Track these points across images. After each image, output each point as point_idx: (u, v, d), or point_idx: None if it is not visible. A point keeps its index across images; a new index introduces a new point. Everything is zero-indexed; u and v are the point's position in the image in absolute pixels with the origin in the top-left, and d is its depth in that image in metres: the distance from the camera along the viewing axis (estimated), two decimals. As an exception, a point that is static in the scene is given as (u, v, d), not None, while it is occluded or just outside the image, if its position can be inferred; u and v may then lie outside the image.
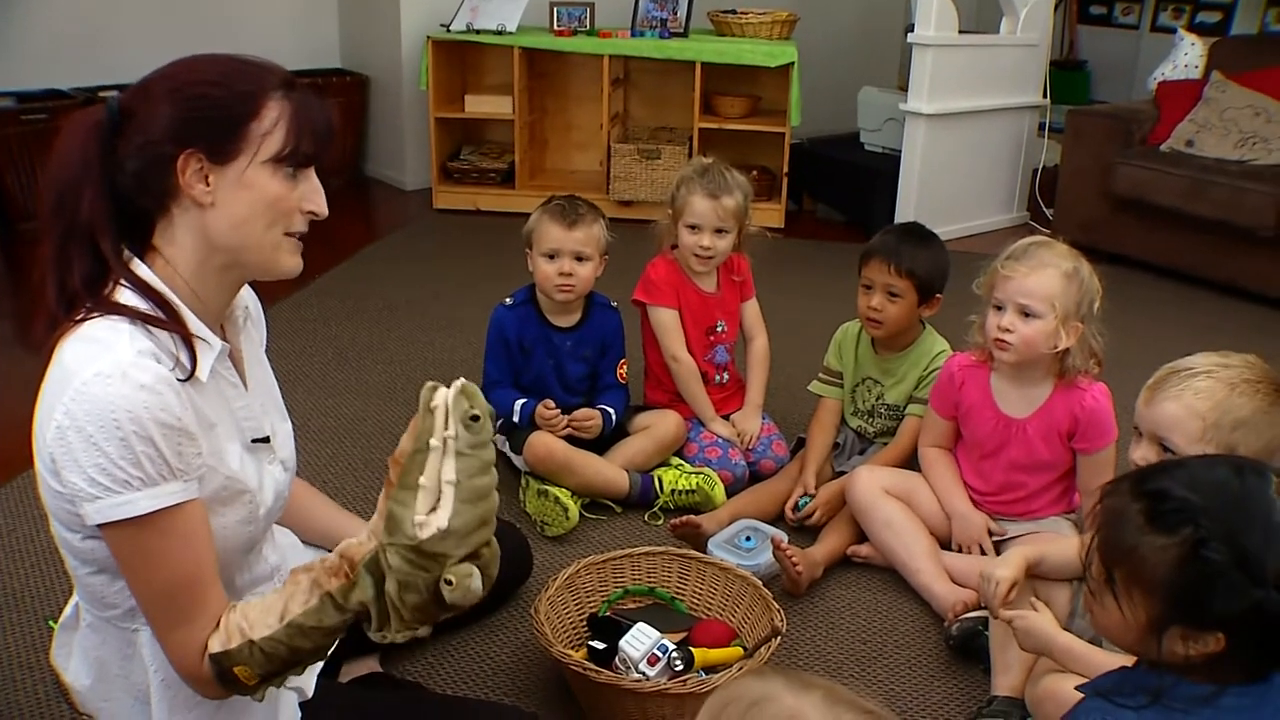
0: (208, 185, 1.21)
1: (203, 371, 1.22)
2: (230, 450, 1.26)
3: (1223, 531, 1.08)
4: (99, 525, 1.14)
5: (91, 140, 1.21)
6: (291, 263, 1.29)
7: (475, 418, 1.14)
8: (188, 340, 1.21)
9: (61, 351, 1.16)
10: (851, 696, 0.81)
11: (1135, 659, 1.22)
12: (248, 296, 1.43)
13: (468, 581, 1.14)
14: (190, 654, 1.19)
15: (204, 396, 1.23)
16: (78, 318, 1.18)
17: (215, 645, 1.18)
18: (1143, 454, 1.65)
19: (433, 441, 1.13)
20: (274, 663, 1.19)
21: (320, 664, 1.46)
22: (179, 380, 1.18)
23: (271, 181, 1.23)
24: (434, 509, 1.13)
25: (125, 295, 1.20)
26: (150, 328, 1.18)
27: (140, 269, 1.22)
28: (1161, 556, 1.11)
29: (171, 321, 1.20)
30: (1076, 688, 1.25)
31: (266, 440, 1.35)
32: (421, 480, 1.13)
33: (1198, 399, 1.60)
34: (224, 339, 1.30)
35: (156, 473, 1.13)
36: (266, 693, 1.23)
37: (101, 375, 1.11)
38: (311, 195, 1.28)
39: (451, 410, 1.14)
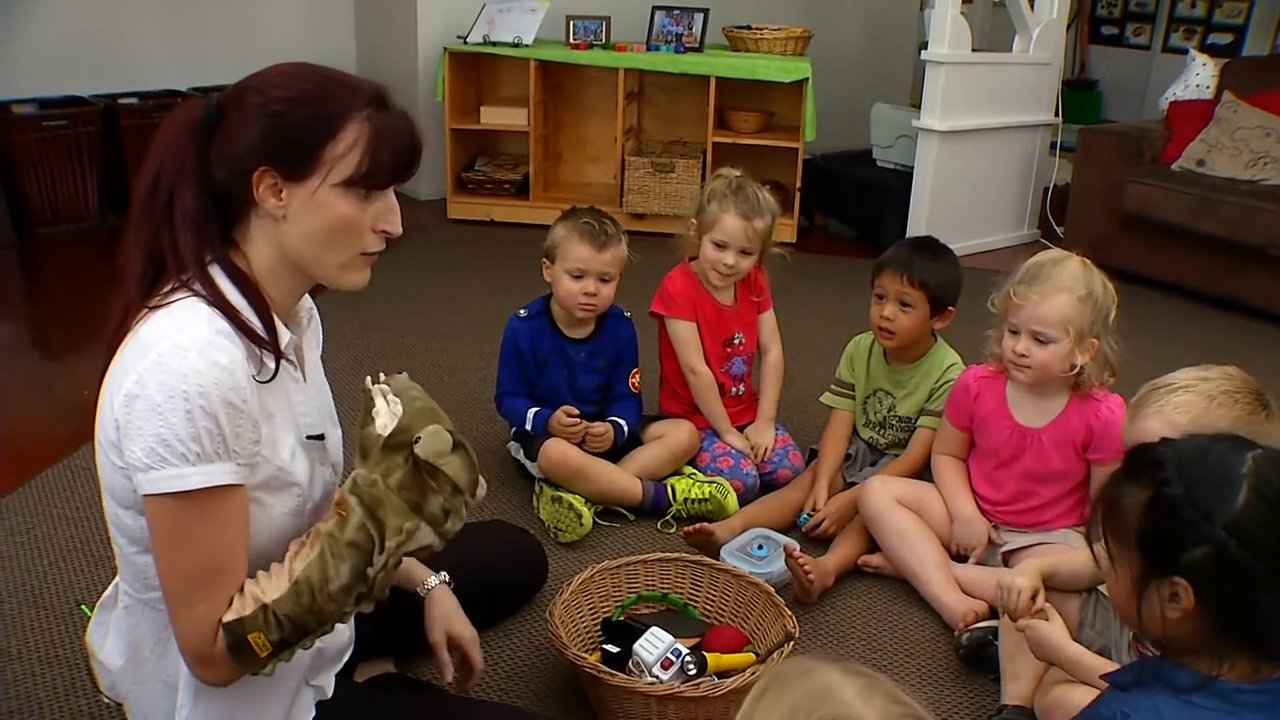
0: (280, 200, 1.24)
1: (272, 364, 1.26)
2: (284, 441, 1.29)
3: (1182, 476, 1.14)
4: (144, 495, 1.16)
5: (187, 137, 1.23)
6: (355, 279, 1.32)
7: (400, 372, 1.36)
8: (275, 346, 1.25)
9: (139, 328, 1.20)
10: (893, 689, 0.86)
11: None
12: (309, 300, 1.46)
13: (433, 438, 1.23)
14: (204, 631, 1.20)
15: (267, 386, 1.26)
16: (165, 293, 1.21)
17: (229, 615, 1.20)
18: None
19: (372, 390, 1.33)
20: (285, 628, 1.20)
21: (339, 665, 1.48)
22: (257, 381, 1.21)
23: (341, 203, 1.25)
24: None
25: (219, 280, 1.24)
26: (234, 327, 1.22)
27: (235, 259, 1.27)
28: (1133, 502, 1.18)
29: (258, 317, 1.25)
30: (1102, 676, 1.29)
31: (321, 438, 1.38)
32: (373, 414, 1.30)
33: (1177, 413, 1.61)
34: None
35: (214, 450, 1.15)
36: (276, 667, 1.23)
37: (179, 348, 1.14)
38: (386, 215, 1.30)
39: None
